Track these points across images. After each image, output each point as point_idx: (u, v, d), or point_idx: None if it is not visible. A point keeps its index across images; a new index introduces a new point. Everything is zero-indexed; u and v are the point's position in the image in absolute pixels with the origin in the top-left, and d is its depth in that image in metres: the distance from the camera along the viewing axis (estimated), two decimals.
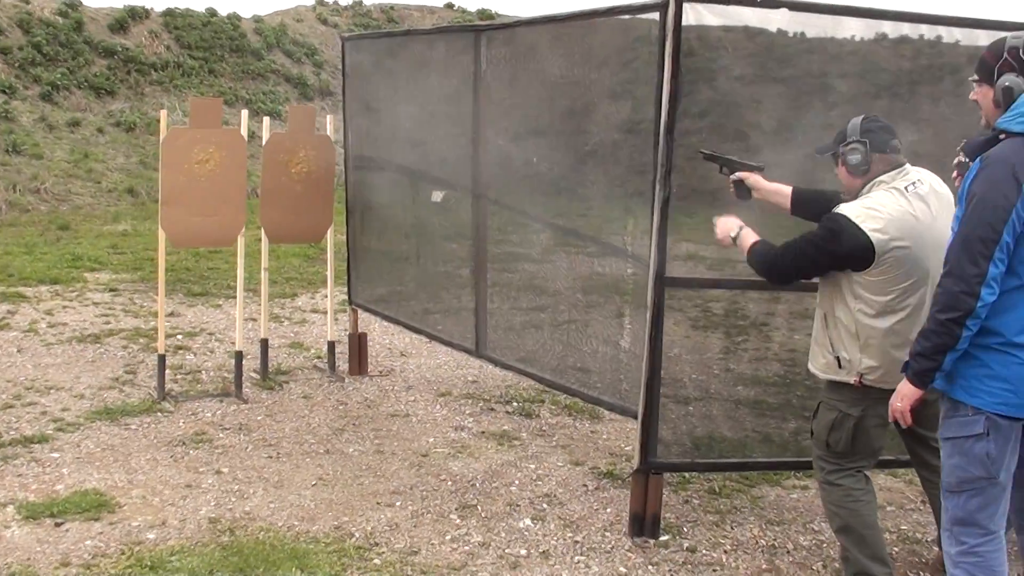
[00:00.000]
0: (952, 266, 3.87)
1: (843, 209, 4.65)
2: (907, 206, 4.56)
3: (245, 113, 8.19)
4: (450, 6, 40.13)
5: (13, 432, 6.94)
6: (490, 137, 7.11)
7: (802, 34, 5.64)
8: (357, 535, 5.55)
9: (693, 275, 6.06)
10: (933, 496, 5.00)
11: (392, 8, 37.68)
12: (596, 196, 6.57)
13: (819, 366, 4.91)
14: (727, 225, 5.15)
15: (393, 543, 5.47)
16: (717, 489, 6.42)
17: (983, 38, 5.50)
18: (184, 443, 6.88)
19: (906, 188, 4.62)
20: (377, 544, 5.45)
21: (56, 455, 6.57)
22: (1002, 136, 3.86)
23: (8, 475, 6.20)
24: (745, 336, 6.10)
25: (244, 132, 8.02)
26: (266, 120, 8.65)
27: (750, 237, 5.03)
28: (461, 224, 7.61)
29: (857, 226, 4.52)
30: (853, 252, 4.56)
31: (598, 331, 6.49)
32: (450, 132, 7.60)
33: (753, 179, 5.26)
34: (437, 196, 7.65)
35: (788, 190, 5.25)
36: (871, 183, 4.72)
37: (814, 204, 5.13)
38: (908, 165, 4.74)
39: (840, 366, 4.76)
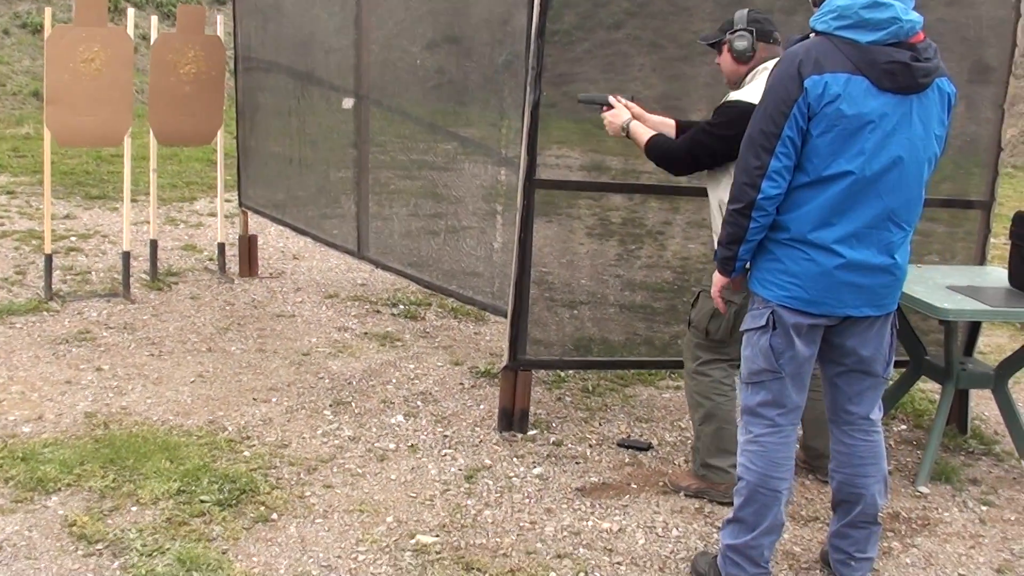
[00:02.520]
0: (739, 160, 3.98)
1: (732, 95, 4.83)
2: None
3: (131, 12, 8.09)
4: None
5: None
6: (376, 40, 7.13)
7: None
8: (230, 429, 5.66)
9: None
10: None
11: None
12: (475, 100, 6.63)
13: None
14: (617, 118, 5.24)
15: (265, 437, 5.58)
16: (591, 388, 6.59)
17: None
18: (67, 341, 6.92)
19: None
20: (248, 437, 5.56)
21: None
22: (812, 35, 3.93)
23: None
24: (639, 244, 6.21)
25: (131, 31, 7.95)
26: (154, 19, 8.57)
27: (642, 130, 5.13)
28: (346, 128, 7.64)
29: (751, 104, 4.62)
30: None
31: (478, 235, 6.58)
32: (337, 34, 7.60)
33: (636, 111, 5.31)
34: (348, 103, 7.66)
35: (672, 122, 5.34)
36: (754, 71, 4.87)
37: None
38: None
39: None
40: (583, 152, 6.03)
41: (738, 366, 5.10)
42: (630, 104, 5.30)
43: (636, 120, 5.21)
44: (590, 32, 5.78)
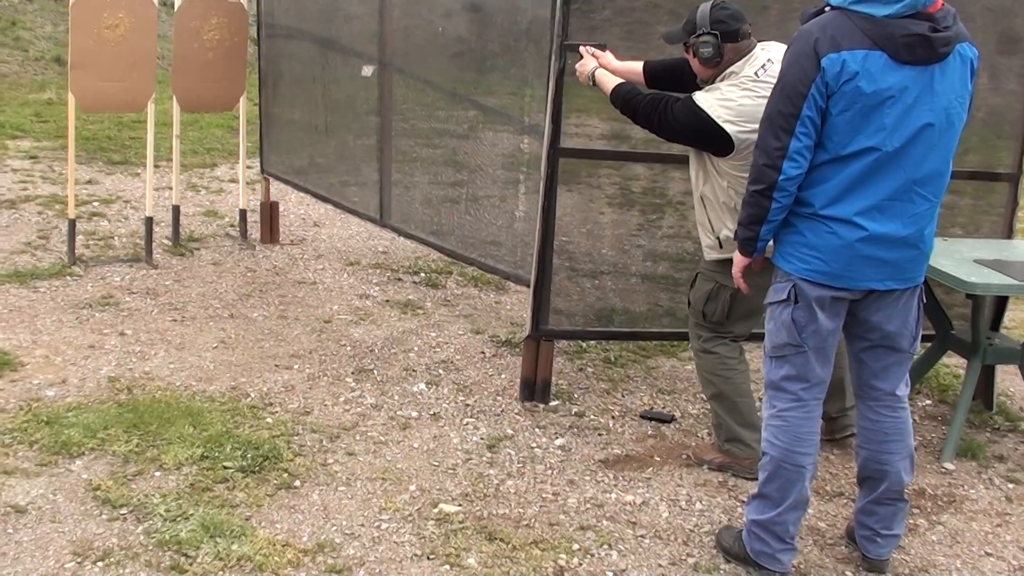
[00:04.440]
0: (759, 140, 3.95)
1: (698, 100, 4.69)
2: (757, 95, 4.53)
3: None
4: None
5: None
6: (398, 7, 7.10)
7: None
8: (253, 395, 5.67)
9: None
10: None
11: None
12: (496, 68, 6.61)
13: (704, 248, 5.03)
14: (584, 67, 5.22)
15: (287, 403, 5.59)
16: (613, 359, 6.57)
17: None
18: (91, 306, 6.93)
19: (756, 74, 4.64)
20: (271, 404, 5.57)
21: None
22: (827, 8, 3.88)
23: None
24: (660, 214, 6.19)
25: None
26: None
27: (608, 78, 5.10)
28: (368, 95, 7.61)
29: (712, 119, 4.59)
30: (711, 140, 4.66)
31: (499, 204, 6.57)
32: (357, 1, 7.57)
33: (604, 60, 5.27)
34: (367, 70, 7.63)
35: (639, 66, 5.29)
36: (722, 74, 4.76)
37: (668, 75, 5.19)
38: (756, 47, 4.76)
39: (721, 246, 4.86)
40: (603, 120, 5.99)
41: (740, 341, 5.12)
42: (597, 52, 5.27)
43: (603, 69, 5.18)
44: (609, 0, 5.75)
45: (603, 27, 5.68)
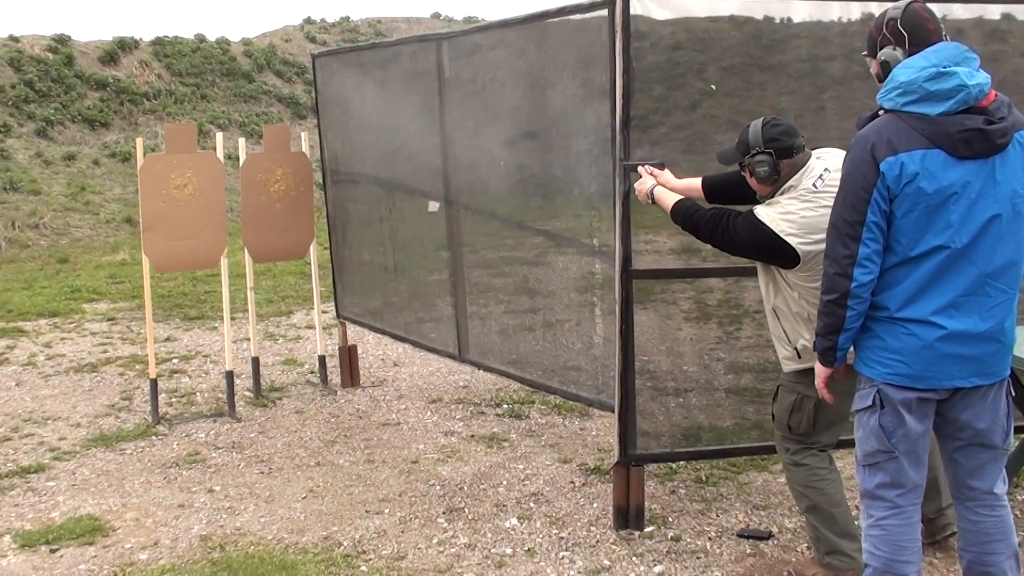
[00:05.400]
0: (827, 249, 3.94)
1: (760, 215, 4.67)
2: (818, 205, 4.53)
3: (220, 136, 8.27)
4: (437, 15, 40.19)
5: (10, 464, 7.03)
6: (459, 144, 7.18)
7: (789, 19, 5.70)
8: (345, 544, 5.63)
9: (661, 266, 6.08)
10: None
11: (379, 22, 37.76)
12: (566, 196, 6.63)
13: (781, 359, 4.97)
14: (643, 186, 5.23)
15: (380, 550, 5.54)
16: (704, 478, 6.47)
17: (958, 10, 5.56)
18: (177, 464, 6.96)
19: (814, 185, 4.61)
20: (365, 552, 5.52)
21: (52, 483, 6.66)
22: (880, 112, 3.89)
23: (5, 506, 6.29)
24: (738, 325, 6.14)
25: (220, 155, 8.10)
26: (241, 141, 8.74)
27: (667, 196, 5.09)
28: (437, 232, 7.68)
29: (775, 234, 4.56)
30: (776, 254, 4.62)
31: (575, 328, 6.54)
32: (420, 141, 7.66)
33: (663, 178, 5.28)
34: (433, 206, 7.72)
35: (698, 182, 5.29)
36: (781, 188, 4.74)
37: (727, 189, 5.20)
38: (812, 157, 4.74)
39: (800, 356, 4.80)
40: (671, 236, 5.98)
41: (828, 450, 5.02)
42: (656, 171, 5.27)
43: (661, 187, 5.17)
44: (666, 115, 5.78)
45: (663, 142, 5.71)
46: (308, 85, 31.15)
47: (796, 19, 5.71)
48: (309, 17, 37.43)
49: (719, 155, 5.02)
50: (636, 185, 5.29)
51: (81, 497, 6.42)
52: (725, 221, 4.79)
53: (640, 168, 5.32)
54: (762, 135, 4.69)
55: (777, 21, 5.74)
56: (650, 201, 5.20)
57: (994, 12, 5.76)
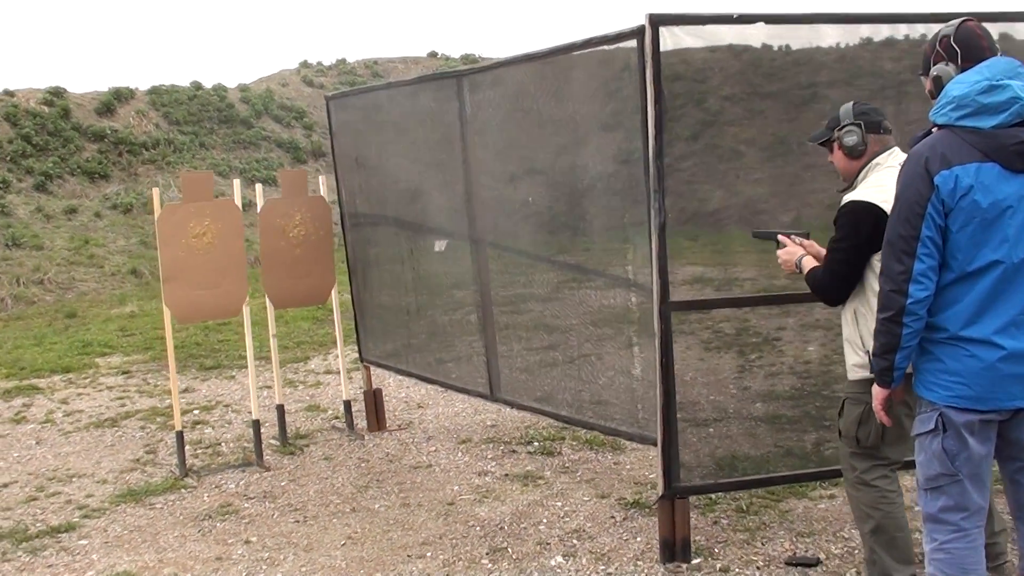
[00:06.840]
0: (882, 266, 3.91)
1: (846, 198, 4.67)
2: None
3: (237, 183, 8.22)
4: (433, 55, 40.19)
5: (40, 524, 6.94)
6: (482, 181, 7.14)
7: (787, 47, 5.68)
8: None
9: (699, 297, 6.03)
10: None
11: (375, 63, 37.84)
12: (596, 229, 6.59)
13: (850, 366, 4.87)
14: (791, 256, 5.06)
15: None
16: (745, 507, 6.41)
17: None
18: (211, 516, 6.88)
19: (900, 164, 4.59)
20: None
21: (84, 542, 6.58)
22: (934, 128, 3.87)
23: (38, 567, 6.20)
24: (758, 353, 6.10)
25: (238, 201, 8.06)
26: (259, 187, 8.73)
27: (810, 263, 4.98)
28: (462, 271, 7.63)
29: (868, 203, 4.52)
30: (874, 231, 4.48)
31: (611, 363, 6.49)
32: (442, 180, 7.63)
33: (815, 249, 5.09)
34: (440, 245, 7.68)
35: None
36: (867, 167, 4.76)
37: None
38: (895, 146, 4.80)
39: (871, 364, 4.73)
40: (680, 265, 5.91)
41: (897, 468, 4.94)
42: (804, 241, 5.16)
43: (808, 256, 5.06)
44: (695, 141, 5.76)
45: (696, 173, 5.68)
46: (307, 129, 31.24)
47: (827, 44, 5.69)
48: (305, 60, 37.53)
49: (810, 138, 5.05)
50: (781, 254, 5.11)
51: (116, 555, 6.33)
52: (828, 251, 4.77)
53: (781, 237, 5.21)
54: (852, 110, 4.79)
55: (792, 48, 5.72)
56: (797, 271, 5.07)
57: None
